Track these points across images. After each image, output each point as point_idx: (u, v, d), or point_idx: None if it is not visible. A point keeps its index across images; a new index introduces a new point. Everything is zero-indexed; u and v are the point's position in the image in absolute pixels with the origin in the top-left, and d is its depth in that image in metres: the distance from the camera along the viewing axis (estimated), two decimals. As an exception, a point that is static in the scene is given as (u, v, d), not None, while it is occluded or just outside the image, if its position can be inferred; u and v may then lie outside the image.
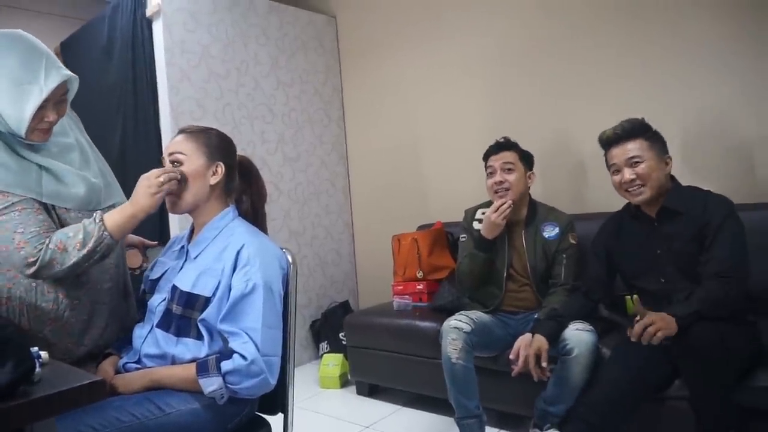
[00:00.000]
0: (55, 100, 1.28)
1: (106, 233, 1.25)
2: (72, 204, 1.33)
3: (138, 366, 1.31)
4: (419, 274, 2.76)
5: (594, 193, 2.55)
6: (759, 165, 2.18)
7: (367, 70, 3.53)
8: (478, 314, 2.04)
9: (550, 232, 2.09)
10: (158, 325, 1.31)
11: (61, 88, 1.28)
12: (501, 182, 2.09)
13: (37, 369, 0.78)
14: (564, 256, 2.06)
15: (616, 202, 1.91)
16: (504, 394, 2.09)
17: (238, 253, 1.28)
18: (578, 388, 1.75)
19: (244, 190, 1.47)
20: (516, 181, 2.09)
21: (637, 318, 1.52)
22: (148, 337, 1.33)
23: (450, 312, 2.11)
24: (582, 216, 2.32)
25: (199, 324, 1.26)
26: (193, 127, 1.41)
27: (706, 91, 2.27)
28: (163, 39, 2.75)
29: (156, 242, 1.70)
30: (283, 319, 1.33)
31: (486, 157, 2.18)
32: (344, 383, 2.88)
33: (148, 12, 2.79)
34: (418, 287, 2.74)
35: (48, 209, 1.30)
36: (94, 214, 1.28)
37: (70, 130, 1.42)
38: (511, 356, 1.86)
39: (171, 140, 1.40)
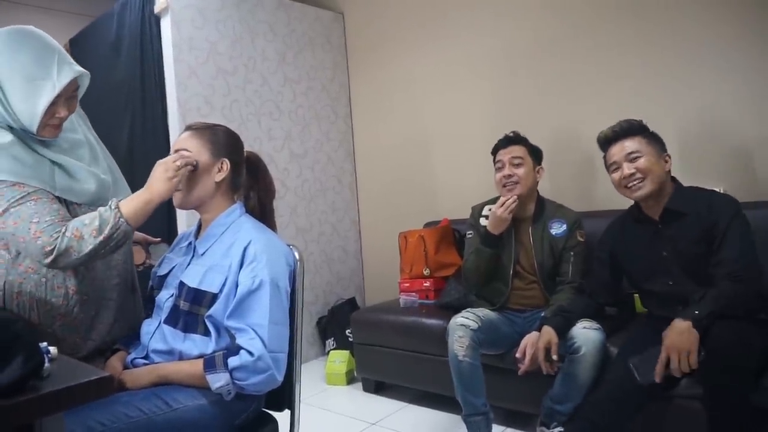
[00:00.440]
0: (67, 96, 1.28)
1: (122, 219, 1.24)
2: (83, 199, 1.34)
3: (146, 362, 1.31)
4: (426, 272, 2.75)
5: (601, 191, 2.54)
6: (760, 163, 2.17)
7: (375, 67, 3.53)
8: (485, 312, 2.04)
9: (558, 229, 2.08)
10: (166, 321, 1.32)
11: (73, 84, 1.29)
12: (510, 176, 2.08)
13: (46, 364, 0.78)
14: (571, 253, 2.05)
15: (623, 200, 1.89)
16: (511, 392, 2.08)
17: (245, 249, 1.28)
18: (586, 386, 1.74)
19: (251, 186, 1.46)
20: (525, 175, 2.08)
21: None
22: (156, 333, 1.33)
23: (457, 309, 2.11)
24: (589, 213, 2.31)
25: (206, 320, 1.26)
26: (200, 123, 1.41)
27: (708, 90, 2.26)
28: (171, 35, 2.76)
29: (159, 239, 1.70)
30: (290, 315, 1.33)
31: (495, 151, 2.18)
32: (351, 380, 2.89)
33: (156, 9, 2.80)
34: (425, 284, 2.73)
35: (61, 202, 1.30)
36: (110, 201, 1.27)
37: (78, 126, 1.42)
38: (518, 355, 1.86)
39: (178, 137, 1.41)
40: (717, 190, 1.87)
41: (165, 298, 1.36)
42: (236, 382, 1.20)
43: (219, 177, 1.35)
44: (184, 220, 2.73)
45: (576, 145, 2.63)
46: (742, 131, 2.20)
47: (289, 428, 1.38)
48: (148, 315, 1.43)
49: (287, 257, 1.35)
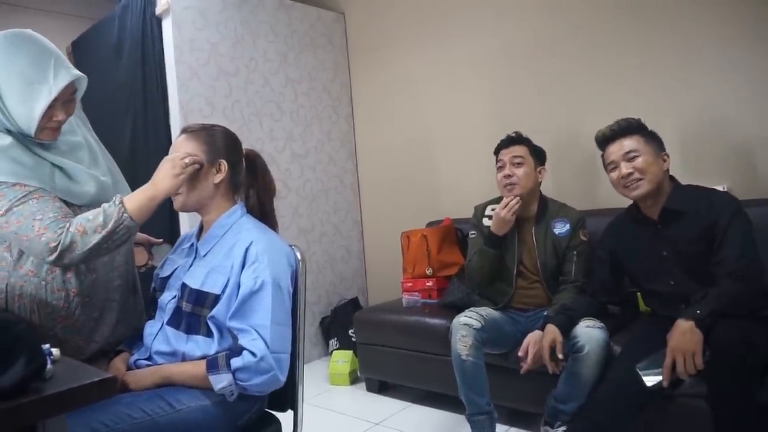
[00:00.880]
0: (64, 100, 1.28)
1: (126, 215, 1.24)
2: (83, 201, 1.34)
3: (149, 363, 1.31)
4: (428, 271, 2.75)
5: (603, 189, 2.53)
6: (762, 161, 2.16)
7: (376, 67, 3.53)
8: (488, 311, 2.03)
9: (561, 228, 2.08)
10: (168, 323, 1.32)
11: (70, 88, 1.29)
12: (509, 176, 2.07)
13: (49, 366, 0.78)
14: (575, 253, 2.04)
15: (625, 199, 1.89)
16: (515, 391, 2.08)
17: (246, 250, 1.28)
18: (589, 385, 1.73)
19: (250, 185, 1.45)
20: (524, 175, 2.07)
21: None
22: (159, 335, 1.33)
23: (460, 309, 2.11)
24: (592, 212, 2.30)
25: (208, 321, 1.26)
26: (196, 125, 1.41)
27: (709, 89, 2.26)
28: (172, 37, 2.76)
29: (161, 240, 1.70)
30: (293, 315, 1.33)
31: (497, 151, 2.17)
32: (354, 380, 2.89)
33: (158, 10, 2.80)
34: (428, 284, 2.73)
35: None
36: (114, 197, 1.27)
37: (77, 128, 1.42)
38: (520, 353, 1.85)
39: (174, 140, 1.40)
40: (719, 188, 1.85)
41: (167, 299, 1.36)
42: (239, 382, 1.19)
43: (218, 178, 1.35)
44: (187, 221, 2.73)
45: (577, 144, 2.63)
46: (743, 130, 2.20)
47: (292, 429, 1.38)
48: (151, 316, 1.43)
49: (289, 257, 1.35)
